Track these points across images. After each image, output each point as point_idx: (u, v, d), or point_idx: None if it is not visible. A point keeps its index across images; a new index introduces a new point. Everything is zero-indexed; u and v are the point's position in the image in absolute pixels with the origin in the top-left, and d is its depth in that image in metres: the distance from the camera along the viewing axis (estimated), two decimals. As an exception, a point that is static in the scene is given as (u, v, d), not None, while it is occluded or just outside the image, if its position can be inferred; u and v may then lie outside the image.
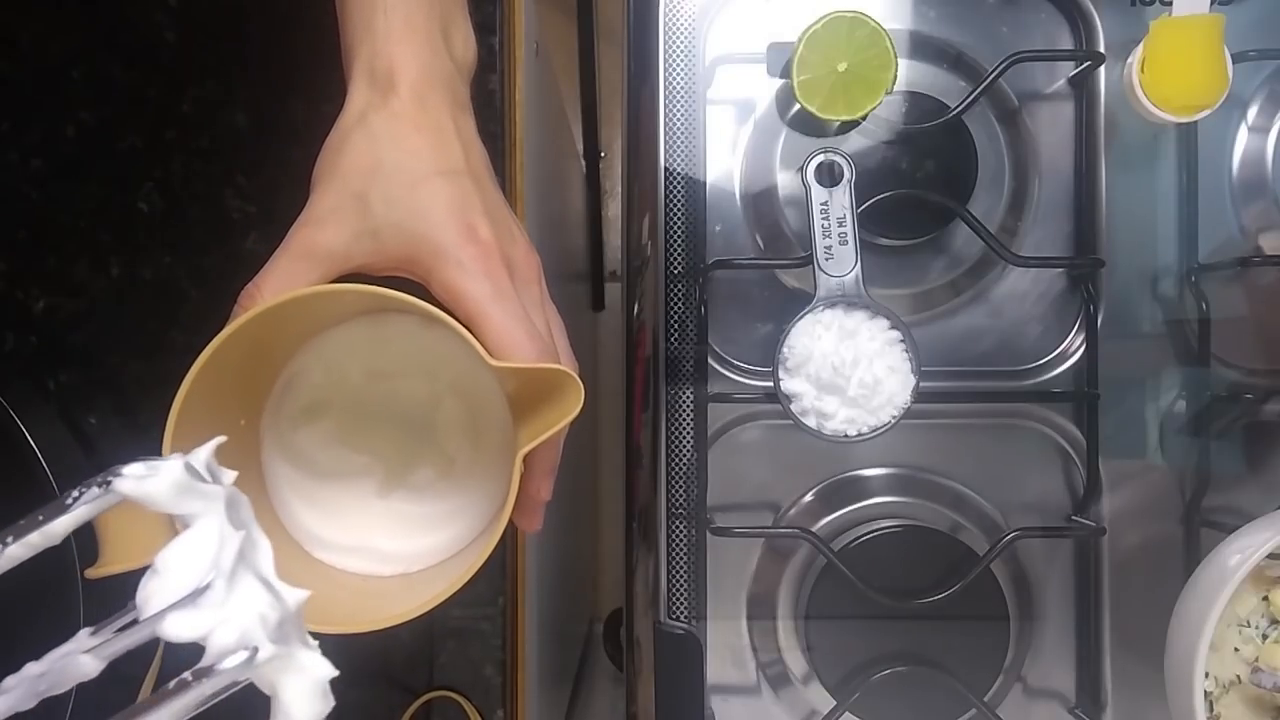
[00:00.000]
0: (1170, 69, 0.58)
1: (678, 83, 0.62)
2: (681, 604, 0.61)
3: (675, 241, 0.62)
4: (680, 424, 0.62)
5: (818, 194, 0.57)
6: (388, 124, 0.41)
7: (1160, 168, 0.63)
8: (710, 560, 0.62)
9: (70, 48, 0.59)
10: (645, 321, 0.62)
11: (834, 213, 0.57)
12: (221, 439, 0.33)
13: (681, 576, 0.61)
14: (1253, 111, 0.63)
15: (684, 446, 0.62)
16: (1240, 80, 0.59)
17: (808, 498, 0.64)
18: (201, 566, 0.28)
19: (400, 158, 0.41)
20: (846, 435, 0.57)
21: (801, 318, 0.57)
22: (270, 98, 0.59)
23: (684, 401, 0.62)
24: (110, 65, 0.59)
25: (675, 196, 0.62)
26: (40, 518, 0.29)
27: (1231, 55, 0.57)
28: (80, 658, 0.29)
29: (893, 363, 0.57)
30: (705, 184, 0.62)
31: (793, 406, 0.57)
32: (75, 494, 0.29)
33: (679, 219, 0.62)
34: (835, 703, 0.60)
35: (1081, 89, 0.63)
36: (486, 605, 0.59)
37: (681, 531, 0.61)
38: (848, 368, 0.56)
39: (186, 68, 0.59)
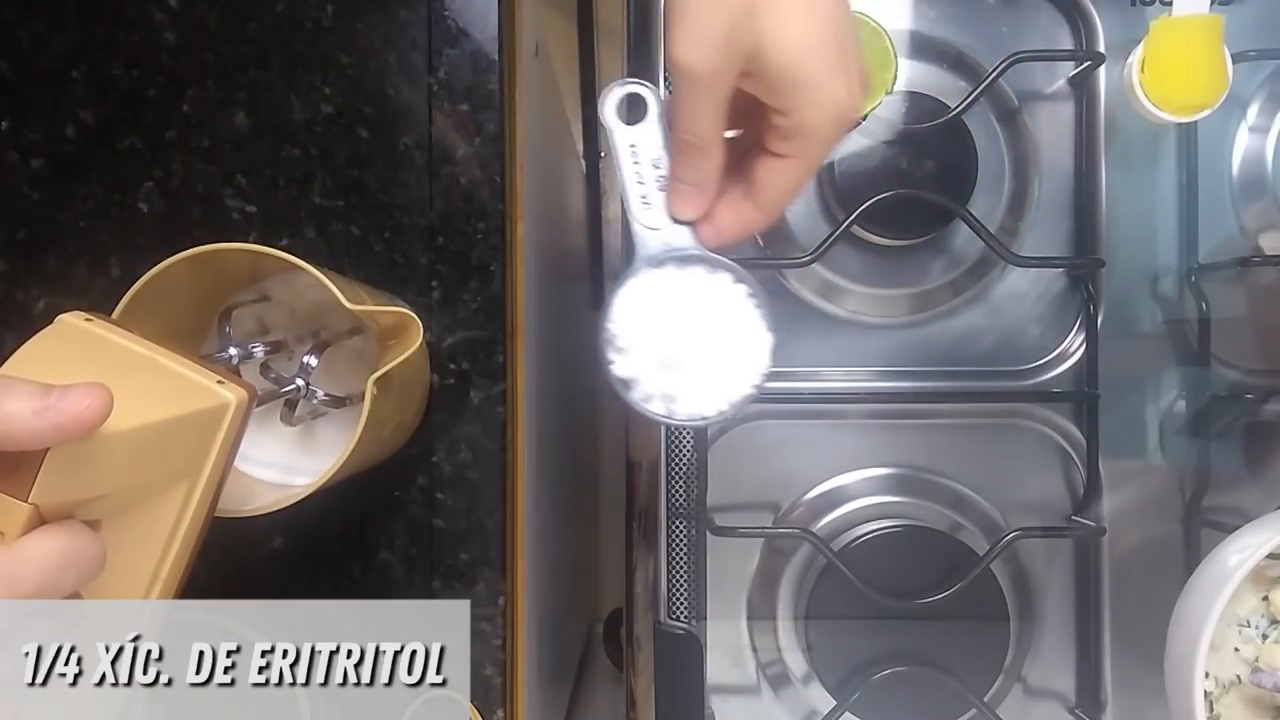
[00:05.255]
0: (1170, 69, 0.58)
1: (678, 83, 0.62)
2: (681, 604, 0.61)
3: (675, 241, 0.61)
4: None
5: (622, 135, 0.46)
6: None
7: (1160, 168, 0.63)
8: (710, 560, 0.62)
9: (70, 48, 0.59)
10: (645, 321, 0.61)
11: (645, 154, 0.46)
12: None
13: (681, 576, 0.61)
14: (1253, 111, 0.63)
15: (684, 446, 0.62)
16: (1240, 80, 0.59)
17: (808, 498, 0.64)
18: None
19: None
20: (704, 416, 0.46)
21: (624, 285, 0.47)
22: (270, 98, 0.59)
23: (684, 401, 0.61)
24: (110, 65, 0.59)
25: (675, 196, 0.61)
26: None
27: (1231, 55, 0.57)
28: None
29: (742, 322, 0.46)
30: (705, 184, 0.62)
31: (633, 394, 0.46)
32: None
33: (679, 219, 0.61)
34: (835, 703, 0.60)
35: (1081, 89, 0.63)
36: (486, 605, 0.59)
37: (681, 531, 0.61)
38: (690, 336, 0.46)
39: (186, 68, 0.59)
